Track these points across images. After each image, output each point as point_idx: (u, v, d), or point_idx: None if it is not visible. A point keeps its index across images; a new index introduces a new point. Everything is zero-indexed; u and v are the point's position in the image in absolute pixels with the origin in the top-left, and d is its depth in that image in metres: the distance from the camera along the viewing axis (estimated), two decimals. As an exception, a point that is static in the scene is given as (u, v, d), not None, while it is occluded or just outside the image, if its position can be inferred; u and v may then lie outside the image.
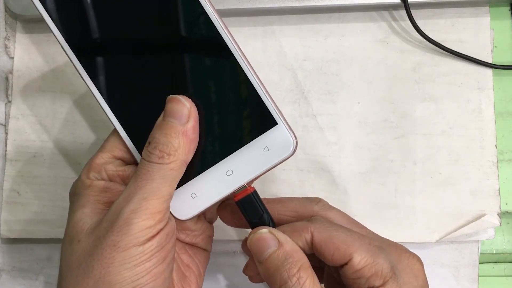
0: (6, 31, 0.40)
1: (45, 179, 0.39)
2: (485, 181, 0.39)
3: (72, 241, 0.27)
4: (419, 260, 0.29)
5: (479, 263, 0.39)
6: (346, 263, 0.27)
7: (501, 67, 0.40)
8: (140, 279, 0.25)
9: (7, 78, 0.40)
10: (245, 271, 0.32)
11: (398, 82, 0.40)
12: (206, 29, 0.28)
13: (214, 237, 0.39)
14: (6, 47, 0.40)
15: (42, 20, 0.29)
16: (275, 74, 0.40)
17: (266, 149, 0.28)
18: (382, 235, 0.39)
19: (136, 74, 0.29)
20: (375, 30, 0.41)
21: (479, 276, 0.39)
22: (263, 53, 0.40)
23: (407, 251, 0.29)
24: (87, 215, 0.27)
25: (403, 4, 0.39)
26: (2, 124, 0.40)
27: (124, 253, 0.25)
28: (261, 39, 0.41)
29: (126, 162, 0.29)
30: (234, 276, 0.40)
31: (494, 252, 0.40)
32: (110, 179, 0.29)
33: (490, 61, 0.40)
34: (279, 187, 0.39)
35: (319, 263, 0.29)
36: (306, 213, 0.31)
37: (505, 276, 0.41)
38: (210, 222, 0.33)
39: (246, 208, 0.29)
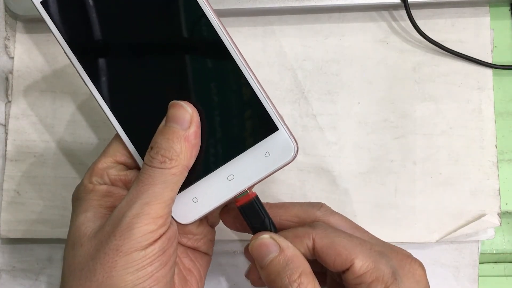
0: (6, 31, 0.40)
1: (45, 179, 0.39)
2: (485, 181, 0.39)
3: (74, 245, 0.27)
4: (421, 265, 0.29)
5: (479, 263, 0.39)
6: (347, 269, 0.27)
7: (501, 67, 0.40)
8: (143, 283, 0.25)
9: (7, 78, 0.40)
10: (247, 275, 0.33)
11: (398, 82, 0.40)
12: (207, 34, 0.28)
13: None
14: (6, 47, 0.40)
15: (43, 21, 0.29)
16: (275, 74, 0.40)
17: (267, 154, 0.29)
18: (382, 235, 0.39)
19: (137, 78, 0.29)
20: (375, 30, 0.41)
21: (479, 276, 0.39)
22: (263, 53, 0.40)
23: (409, 256, 0.29)
24: (89, 220, 0.27)
25: (403, 4, 0.39)
26: (2, 124, 0.40)
27: (126, 257, 0.25)
28: (261, 39, 0.41)
29: (128, 167, 0.30)
30: (235, 276, 0.40)
31: (494, 252, 0.40)
32: (113, 184, 0.29)
33: (490, 61, 0.40)
34: (279, 188, 0.39)
35: (321, 268, 0.29)
36: (308, 218, 0.31)
37: (505, 276, 0.41)
38: (212, 226, 0.33)
39: (248, 213, 0.29)
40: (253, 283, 0.32)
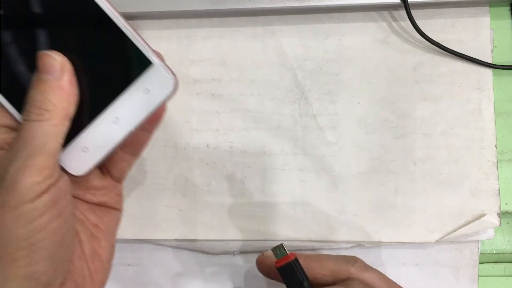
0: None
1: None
2: (485, 181, 0.39)
3: None
4: None
5: (479, 263, 0.39)
6: None
7: (501, 67, 0.40)
8: (35, 235, 0.25)
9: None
10: (260, 262, 0.34)
11: (398, 82, 0.40)
12: None
13: (214, 237, 0.39)
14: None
15: None
16: (275, 74, 0.40)
17: (146, 91, 0.28)
18: (382, 235, 0.39)
19: (8, 37, 0.28)
20: (375, 30, 0.41)
21: (479, 276, 0.39)
22: (263, 53, 0.40)
23: None
24: None
25: (403, 4, 0.39)
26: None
27: (14, 211, 0.25)
28: (261, 39, 0.41)
29: (13, 129, 0.29)
30: (235, 276, 0.40)
31: (494, 252, 0.40)
32: None
33: (490, 61, 0.40)
34: (279, 187, 0.39)
35: None
36: (342, 273, 0.31)
37: (505, 276, 0.41)
38: (118, 181, 0.32)
39: (287, 274, 0.31)
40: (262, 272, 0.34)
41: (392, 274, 0.33)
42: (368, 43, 0.40)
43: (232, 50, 0.41)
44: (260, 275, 0.34)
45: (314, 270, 0.31)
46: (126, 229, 0.39)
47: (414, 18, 0.39)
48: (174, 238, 0.40)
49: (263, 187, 0.39)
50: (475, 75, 0.40)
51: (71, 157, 0.28)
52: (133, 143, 0.31)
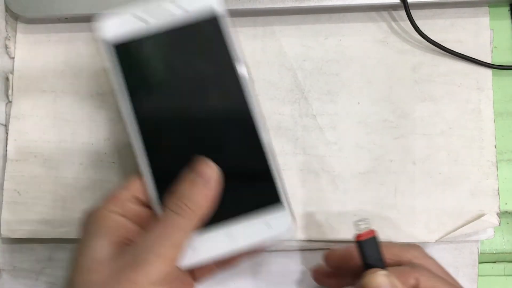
0: (6, 31, 0.40)
1: (45, 179, 0.39)
2: (484, 181, 0.39)
3: (88, 271, 0.28)
4: None
5: (479, 262, 0.39)
6: None
7: (500, 67, 0.40)
8: None
9: (7, 78, 0.40)
10: (315, 272, 0.37)
11: (397, 82, 0.40)
12: (241, 109, 0.32)
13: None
14: (6, 47, 0.40)
15: (110, 63, 0.31)
16: (275, 74, 0.40)
17: (267, 224, 0.31)
18: (382, 235, 0.39)
19: (175, 128, 0.32)
20: (375, 30, 0.41)
21: (478, 275, 0.39)
22: (263, 53, 0.40)
23: None
24: (103, 247, 0.28)
25: (402, 4, 0.39)
26: (2, 124, 0.40)
27: None
28: (261, 39, 0.41)
29: (143, 203, 0.31)
30: (236, 276, 0.40)
31: (494, 252, 0.40)
32: (128, 217, 0.30)
33: (489, 61, 0.40)
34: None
35: None
36: (406, 258, 0.33)
37: (504, 275, 0.41)
38: (195, 280, 0.34)
39: (367, 249, 0.31)
40: (317, 281, 0.37)
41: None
42: (368, 43, 0.41)
43: (232, 50, 0.41)
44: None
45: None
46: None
47: (414, 19, 0.39)
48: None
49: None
50: (474, 75, 0.40)
51: None
52: (227, 260, 0.33)
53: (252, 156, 0.31)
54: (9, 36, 0.41)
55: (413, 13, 0.39)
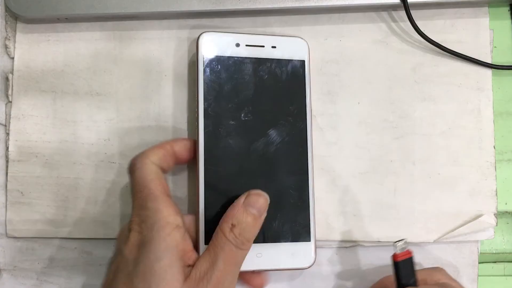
0: (6, 31, 0.40)
1: (47, 179, 0.39)
2: (483, 181, 0.39)
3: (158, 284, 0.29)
4: None
5: (479, 262, 0.39)
6: None
7: (500, 67, 0.40)
8: None
9: (7, 78, 0.40)
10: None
11: (397, 83, 0.40)
12: (300, 143, 0.36)
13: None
14: (6, 47, 0.40)
15: (193, 75, 0.36)
16: (275, 74, 0.40)
17: (292, 254, 0.35)
18: (381, 235, 0.39)
19: (236, 160, 0.35)
20: (374, 30, 0.41)
21: (478, 275, 0.39)
22: (263, 54, 0.40)
23: None
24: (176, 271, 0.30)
25: (402, 4, 0.39)
26: (3, 125, 0.40)
27: None
28: (261, 40, 0.41)
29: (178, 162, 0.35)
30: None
31: (494, 252, 0.40)
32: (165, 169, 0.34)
33: (489, 61, 0.40)
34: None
35: None
36: (432, 280, 0.35)
37: (504, 275, 0.41)
38: None
39: (403, 269, 0.32)
40: None
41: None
42: (367, 43, 0.41)
43: (232, 51, 0.41)
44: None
45: None
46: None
47: (414, 19, 0.39)
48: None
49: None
50: (474, 76, 0.40)
51: None
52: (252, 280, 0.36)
53: (299, 191, 0.35)
54: (9, 36, 0.41)
55: (413, 13, 0.39)
